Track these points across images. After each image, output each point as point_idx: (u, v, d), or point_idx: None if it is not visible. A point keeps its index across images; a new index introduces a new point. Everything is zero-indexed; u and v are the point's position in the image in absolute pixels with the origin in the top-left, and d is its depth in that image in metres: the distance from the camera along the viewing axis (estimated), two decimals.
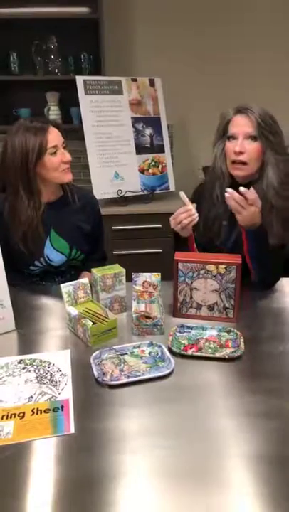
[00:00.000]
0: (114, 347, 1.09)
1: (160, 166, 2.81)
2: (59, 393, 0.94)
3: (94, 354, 1.05)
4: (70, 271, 1.63)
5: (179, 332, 1.17)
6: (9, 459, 0.78)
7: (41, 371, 1.02)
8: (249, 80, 2.92)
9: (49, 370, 1.03)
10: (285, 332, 1.20)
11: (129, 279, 1.29)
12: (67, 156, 1.47)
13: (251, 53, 2.90)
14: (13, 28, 2.62)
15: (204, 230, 1.47)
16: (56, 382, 0.98)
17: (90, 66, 2.77)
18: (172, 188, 2.81)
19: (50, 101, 2.77)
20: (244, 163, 1.37)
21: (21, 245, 1.48)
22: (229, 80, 2.89)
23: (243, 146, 1.35)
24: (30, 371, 1.03)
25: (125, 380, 0.97)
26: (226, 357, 1.06)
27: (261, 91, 2.90)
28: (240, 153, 1.36)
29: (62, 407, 0.90)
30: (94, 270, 1.28)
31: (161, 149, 2.81)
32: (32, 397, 0.93)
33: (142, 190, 2.73)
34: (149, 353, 1.08)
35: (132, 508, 0.69)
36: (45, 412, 0.89)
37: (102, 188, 2.60)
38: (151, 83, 2.76)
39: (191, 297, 1.24)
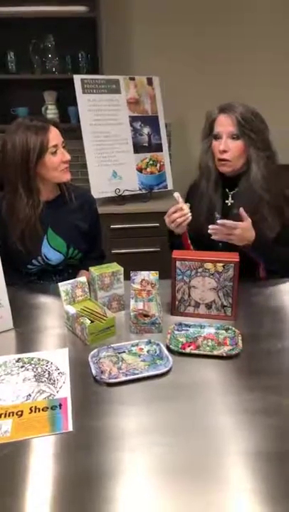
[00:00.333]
0: (112, 345, 1.09)
1: (158, 165, 2.81)
2: (57, 391, 0.94)
3: (92, 352, 1.05)
4: (68, 269, 1.63)
5: (177, 330, 1.17)
6: (7, 458, 0.78)
7: (39, 370, 1.02)
8: (247, 79, 2.92)
9: (47, 368, 1.03)
10: (283, 330, 1.20)
11: (127, 277, 1.29)
12: (67, 156, 1.47)
13: (250, 53, 2.90)
14: (10, 27, 2.61)
15: (197, 223, 1.51)
16: (54, 381, 0.98)
17: (88, 65, 2.76)
18: (170, 186, 2.81)
19: (48, 100, 2.76)
20: (229, 160, 1.45)
21: (19, 244, 1.47)
22: (227, 79, 2.89)
23: (227, 145, 1.43)
24: (28, 370, 1.03)
25: (123, 378, 0.97)
26: (224, 355, 1.06)
27: (260, 91, 2.90)
28: (224, 151, 1.44)
29: (60, 405, 0.90)
30: (92, 269, 1.28)
31: (159, 148, 2.81)
32: (30, 395, 0.93)
33: (139, 189, 2.73)
34: (147, 351, 1.08)
35: (130, 505, 0.69)
36: (43, 410, 0.89)
37: (100, 187, 2.60)
38: (149, 82, 2.76)
39: (189, 295, 1.25)
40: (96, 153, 2.60)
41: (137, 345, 1.10)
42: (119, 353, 1.08)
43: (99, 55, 2.63)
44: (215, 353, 1.07)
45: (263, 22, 2.86)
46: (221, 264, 1.19)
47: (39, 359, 1.06)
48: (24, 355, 1.08)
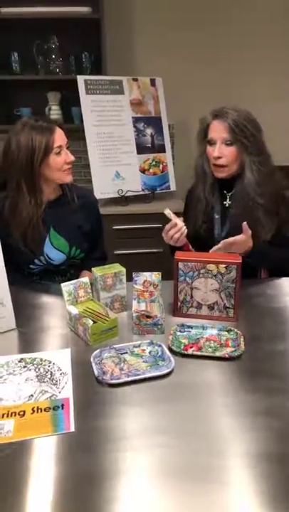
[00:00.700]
0: (114, 346, 1.09)
1: (161, 166, 2.81)
2: (59, 392, 0.94)
3: (94, 353, 1.05)
4: (70, 270, 1.64)
5: (180, 331, 1.17)
6: (9, 457, 0.78)
7: (41, 370, 1.03)
8: (250, 80, 2.92)
9: (49, 368, 1.03)
10: (285, 331, 1.20)
11: (129, 278, 1.29)
12: (71, 157, 1.48)
13: (252, 53, 2.90)
14: (14, 28, 2.63)
15: (195, 225, 1.55)
16: (56, 381, 0.98)
17: (91, 66, 2.77)
18: (173, 187, 2.82)
19: (52, 100, 2.77)
20: (223, 166, 1.48)
21: (21, 243, 1.48)
22: (230, 80, 2.89)
23: (221, 151, 1.46)
24: (30, 370, 1.03)
25: (125, 379, 0.97)
26: (226, 356, 1.06)
27: (262, 91, 2.91)
28: (219, 157, 1.47)
29: (62, 405, 0.90)
30: (94, 269, 1.28)
31: (162, 149, 2.82)
32: (32, 395, 0.94)
33: (142, 190, 2.73)
34: (150, 352, 1.08)
35: (132, 506, 0.69)
36: (45, 410, 0.89)
37: (103, 187, 2.60)
38: (152, 83, 2.76)
39: (192, 296, 1.25)
40: (99, 154, 2.60)
41: (139, 346, 1.10)
42: (121, 353, 1.08)
43: (102, 56, 2.64)
44: (217, 354, 1.07)
45: (264, 22, 2.86)
46: (224, 266, 1.19)
47: (41, 359, 1.07)
48: (26, 356, 1.09)
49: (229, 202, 1.56)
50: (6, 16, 2.55)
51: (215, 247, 1.37)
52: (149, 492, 0.71)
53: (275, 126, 1.49)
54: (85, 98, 2.56)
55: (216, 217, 1.57)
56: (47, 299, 1.42)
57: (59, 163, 1.45)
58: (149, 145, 2.78)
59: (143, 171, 2.75)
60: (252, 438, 0.81)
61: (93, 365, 1.01)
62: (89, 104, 2.57)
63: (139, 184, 2.73)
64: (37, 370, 1.03)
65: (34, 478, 0.74)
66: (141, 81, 2.73)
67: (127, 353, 1.08)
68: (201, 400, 0.92)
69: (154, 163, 2.78)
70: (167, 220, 1.41)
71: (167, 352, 1.06)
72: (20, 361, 1.06)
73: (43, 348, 1.13)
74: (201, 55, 2.89)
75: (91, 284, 1.31)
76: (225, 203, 1.57)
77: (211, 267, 1.20)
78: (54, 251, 1.55)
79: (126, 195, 2.66)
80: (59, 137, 1.44)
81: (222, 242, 1.35)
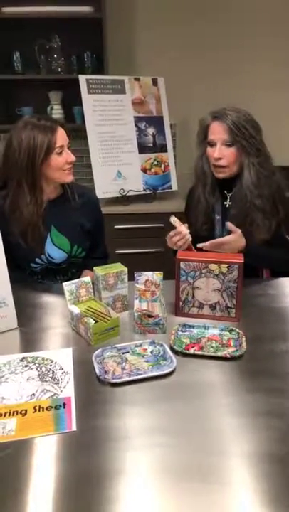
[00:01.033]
0: (116, 345, 1.09)
1: (163, 166, 2.81)
2: (61, 391, 0.95)
3: (96, 352, 1.05)
4: (71, 269, 1.64)
5: (181, 331, 1.17)
6: (11, 456, 0.78)
7: (43, 369, 1.03)
8: (252, 79, 2.92)
9: (51, 368, 1.03)
10: (286, 331, 1.20)
11: (131, 277, 1.30)
12: (72, 157, 1.48)
13: (254, 53, 2.90)
14: (16, 27, 2.63)
15: (196, 226, 1.56)
16: (58, 380, 0.98)
17: (93, 65, 2.77)
18: (175, 187, 2.81)
19: (53, 100, 2.77)
20: (224, 166, 1.49)
21: (22, 242, 1.48)
22: (232, 80, 2.89)
23: (222, 152, 1.47)
24: (32, 369, 1.03)
25: (127, 379, 0.97)
26: (228, 356, 1.06)
27: (263, 90, 2.91)
28: (219, 158, 1.47)
29: (64, 404, 0.90)
30: (96, 269, 1.28)
31: (163, 148, 2.82)
32: (34, 394, 0.94)
33: (144, 190, 2.73)
34: (151, 352, 1.08)
35: (133, 504, 0.69)
36: (47, 409, 0.89)
37: (105, 187, 2.60)
38: (154, 82, 2.76)
39: (193, 296, 1.25)
40: (101, 154, 2.61)
41: (140, 345, 1.10)
42: (122, 353, 1.08)
43: (104, 56, 2.64)
44: (219, 354, 1.07)
45: (265, 21, 2.86)
46: (226, 265, 1.19)
47: (43, 358, 1.07)
48: (28, 355, 1.09)
49: (230, 202, 1.57)
50: (8, 16, 2.56)
51: (201, 244, 1.36)
52: (149, 491, 0.71)
53: (276, 128, 1.49)
54: (86, 98, 2.56)
55: (217, 217, 1.58)
56: (48, 299, 1.43)
57: (60, 163, 1.45)
58: (151, 144, 2.78)
59: (145, 170, 2.75)
60: (253, 438, 0.81)
61: (95, 364, 1.01)
62: (91, 104, 2.57)
63: (141, 184, 2.73)
64: (39, 369, 1.03)
65: (35, 477, 0.74)
66: (143, 80, 2.73)
67: (128, 352, 1.08)
68: (202, 399, 0.92)
69: (155, 162, 2.78)
70: (172, 226, 1.41)
71: (169, 351, 1.06)
72: (22, 360, 1.07)
73: (44, 348, 1.13)
74: (203, 54, 2.89)
75: (93, 283, 1.31)
76: (225, 203, 1.58)
77: (213, 266, 1.20)
78: (55, 249, 1.55)
79: (127, 194, 2.66)
80: (61, 137, 1.44)
81: (209, 242, 1.36)
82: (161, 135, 2.80)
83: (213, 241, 1.36)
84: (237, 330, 1.15)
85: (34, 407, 0.90)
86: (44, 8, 2.54)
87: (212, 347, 1.10)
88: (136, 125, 2.71)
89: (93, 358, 1.03)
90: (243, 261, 1.19)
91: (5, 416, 0.87)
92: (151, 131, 2.77)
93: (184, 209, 1.76)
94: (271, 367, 1.03)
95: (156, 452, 0.79)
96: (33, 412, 0.88)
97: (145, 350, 1.09)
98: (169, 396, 0.93)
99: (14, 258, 1.45)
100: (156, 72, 2.77)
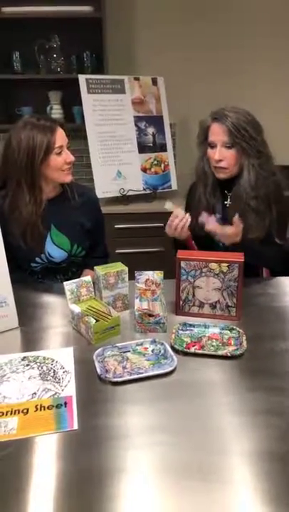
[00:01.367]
0: (117, 344, 1.10)
1: (162, 165, 2.81)
2: (62, 390, 0.95)
3: (97, 351, 1.06)
4: (71, 268, 1.64)
5: (182, 330, 1.17)
6: (13, 455, 0.78)
7: (44, 368, 1.03)
8: (251, 78, 2.92)
9: (52, 367, 1.03)
10: (286, 330, 1.20)
11: (131, 277, 1.30)
12: (71, 157, 1.48)
13: (254, 53, 2.90)
14: (16, 27, 2.63)
15: (196, 225, 1.53)
16: (59, 379, 0.99)
17: (93, 65, 2.76)
18: (175, 187, 2.82)
19: (53, 100, 2.77)
20: (226, 168, 1.49)
21: (22, 241, 1.48)
22: (232, 79, 2.89)
23: (222, 154, 1.47)
24: (33, 368, 1.03)
25: (128, 377, 0.97)
26: (228, 355, 1.06)
27: (263, 90, 2.91)
28: (220, 160, 1.47)
29: (65, 403, 0.91)
30: (97, 268, 1.28)
31: (163, 148, 2.82)
32: (35, 393, 0.94)
33: (144, 189, 2.73)
34: (152, 351, 1.09)
35: (134, 503, 0.69)
36: (48, 408, 0.89)
37: (105, 186, 2.60)
38: (154, 82, 2.76)
39: (194, 295, 1.25)
40: (100, 153, 2.61)
41: (141, 344, 1.11)
42: (123, 352, 1.08)
43: (104, 55, 2.64)
44: (219, 353, 1.07)
45: (265, 21, 2.86)
46: (226, 265, 1.19)
47: (44, 357, 1.07)
48: (29, 354, 1.09)
49: (230, 202, 1.57)
50: (8, 16, 2.55)
51: (204, 217, 1.39)
52: (150, 489, 0.72)
53: (276, 128, 1.49)
54: (86, 97, 2.56)
55: (218, 216, 1.57)
56: (49, 298, 1.43)
57: (59, 163, 1.45)
58: (151, 144, 2.78)
59: (144, 170, 2.75)
60: (253, 436, 0.82)
61: (96, 363, 1.02)
62: (90, 104, 2.57)
63: (141, 183, 2.73)
64: (40, 368, 1.03)
65: (37, 476, 0.74)
66: (142, 80, 2.73)
67: (129, 351, 1.09)
68: (202, 398, 0.92)
69: (155, 162, 2.79)
70: (168, 218, 1.41)
71: (170, 350, 1.06)
72: (23, 359, 1.07)
73: (45, 347, 1.13)
74: (203, 54, 2.89)
75: (93, 282, 1.31)
76: (226, 202, 1.59)
77: (213, 265, 1.20)
78: (55, 248, 1.56)
79: (127, 194, 2.66)
80: (60, 137, 1.44)
81: (213, 224, 1.38)
82: (161, 134, 2.80)
83: (218, 226, 1.37)
84: (237, 329, 1.15)
85: (35, 406, 0.90)
86: (44, 8, 2.54)
87: (212, 346, 1.11)
88: (136, 125, 2.71)
89: (94, 357, 1.04)
90: (243, 260, 1.19)
91: (6, 415, 0.88)
92: (151, 130, 2.77)
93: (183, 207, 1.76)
94: (271, 365, 1.04)
95: (157, 451, 0.79)
96: (35, 411, 0.89)
97: (146, 349, 1.10)
98: (170, 395, 0.94)
99: (14, 258, 1.45)
100: (156, 72, 2.77)
